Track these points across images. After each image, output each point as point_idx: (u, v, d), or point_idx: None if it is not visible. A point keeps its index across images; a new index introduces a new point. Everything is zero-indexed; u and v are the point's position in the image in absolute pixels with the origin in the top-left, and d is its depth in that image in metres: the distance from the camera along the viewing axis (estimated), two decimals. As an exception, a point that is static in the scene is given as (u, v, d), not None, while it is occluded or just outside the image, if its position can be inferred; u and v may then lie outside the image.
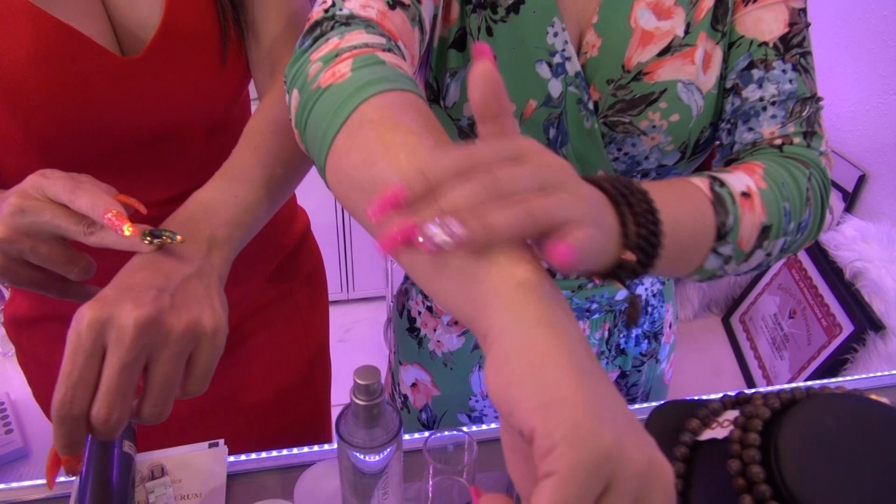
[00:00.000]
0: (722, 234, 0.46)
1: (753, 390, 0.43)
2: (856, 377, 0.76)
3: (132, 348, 0.39)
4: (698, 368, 1.54)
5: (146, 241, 0.42)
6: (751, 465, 0.34)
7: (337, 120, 0.39)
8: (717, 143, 0.61)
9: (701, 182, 0.47)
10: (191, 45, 0.60)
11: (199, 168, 0.57)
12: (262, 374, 0.86)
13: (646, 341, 0.78)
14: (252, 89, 0.71)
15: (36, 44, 0.52)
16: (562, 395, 0.26)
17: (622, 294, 0.72)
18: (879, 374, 0.75)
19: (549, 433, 0.25)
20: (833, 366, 1.25)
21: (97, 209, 0.42)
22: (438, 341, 0.78)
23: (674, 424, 0.40)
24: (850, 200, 1.41)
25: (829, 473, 0.33)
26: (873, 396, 0.36)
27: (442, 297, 0.33)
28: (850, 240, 1.31)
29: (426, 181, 0.31)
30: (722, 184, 0.47)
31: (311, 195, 0.93)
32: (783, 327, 1.40)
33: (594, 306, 0.72)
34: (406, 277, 0.84)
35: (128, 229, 0.41)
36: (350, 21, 0.46)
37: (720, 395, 0.46)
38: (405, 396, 0.86)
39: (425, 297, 0.78)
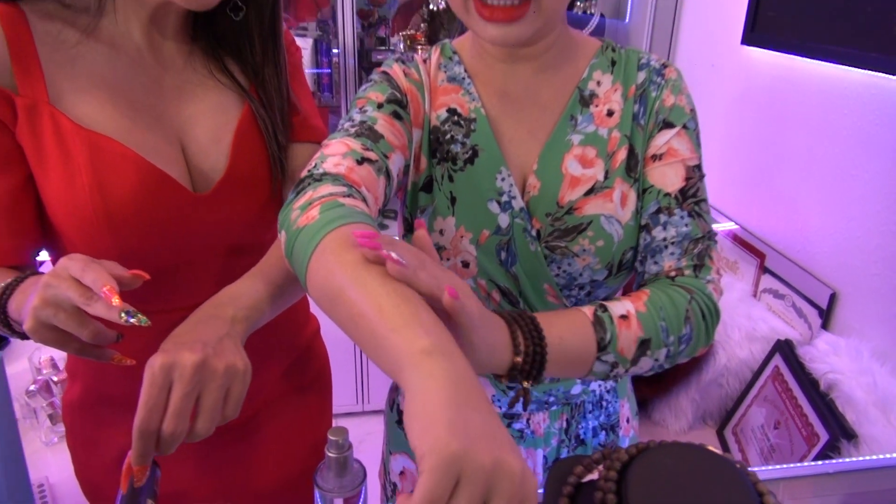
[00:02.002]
0: (602, 346, 0.63)
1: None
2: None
3: (190, 382, 0.54)
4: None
5: (122, 317, 0.56)
6: (608, 495, 0.46)
7: (309, 250, 0.55)
8: (636, 270, 0.77)
9: (588, 309, 0.65)
10: (247, 185, 0.80)
11: (237, 277, 0.73)
12: (271, 462, 0.98)
13: (603, 433, 0.89)
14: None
15: (137, 183, 0.71)
16: (432, 422, 0.40)
17: (577, 388, 0.84)
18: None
19: (422, 448, 0.39)
20: (814, 474, 1.31)
21: (97, 284, 0.57)
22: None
23: (568, 471, 0.52)
24: (826, 317, 1.51)
25: (668, 500, 0.45)
26: (710, 448, 0.48)
27: (374, 359, 0.48)
28: (822, 353, 1.40)
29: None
30: (605, 309, 0.65)
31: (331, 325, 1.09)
32: (769, 438, 1.47)
33: (552, 399, 0.84)
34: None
35: (115, 301, 0.56)
36: (322, 178, 0.63)
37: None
38: (394, 484, 0.96)
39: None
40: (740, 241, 1.82)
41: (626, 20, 2.31)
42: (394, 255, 0.48)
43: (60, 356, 1.45)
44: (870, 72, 1.33)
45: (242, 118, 0.80)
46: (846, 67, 1.40)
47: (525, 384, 0.60)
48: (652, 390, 1.74)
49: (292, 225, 0.58)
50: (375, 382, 2.27)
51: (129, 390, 0.67)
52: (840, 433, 1.26)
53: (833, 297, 1.49)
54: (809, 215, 1.57)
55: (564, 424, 0.86)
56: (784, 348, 1.51)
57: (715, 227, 1.86)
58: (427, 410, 0.40)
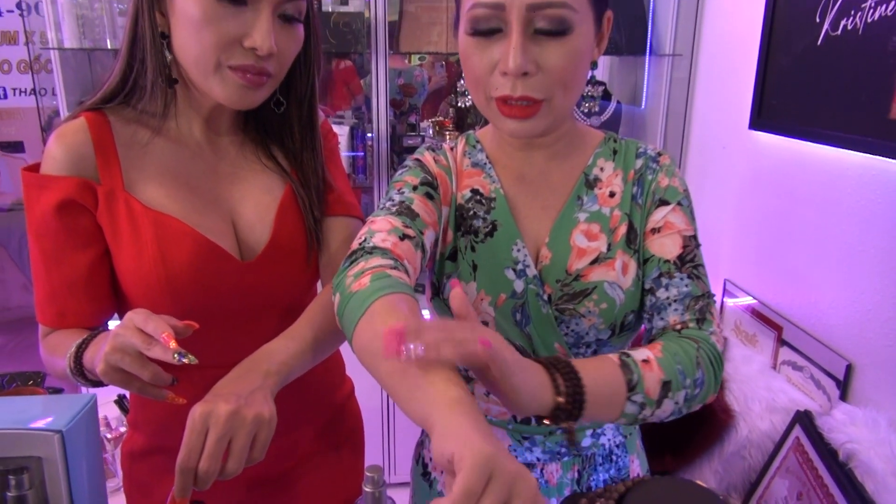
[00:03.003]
0: (631, 387, 0.69)
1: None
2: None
3: (223, 428, 0.64)
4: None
5: (175, 357, 0.67)
6: (608, 520, 0.54)
7: (359, 313, 0.65)
8: (644, 328, 0.85)
9: (613, 356, 0.72)
10: (286, 253, 0.92)
11: (275, 336, 0.84)
12: None
13: (616, 488, 0.94)
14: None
15: (193, 254, 0.84)
16: (467, 435, 0.49)
17: (587, 441, 0.91)
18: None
19: (460, 453, 0.47)
20: (836, 545, 1.31)
21: (157, 332, 0.68)
22: (446, 483, 0.97)
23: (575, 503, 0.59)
24: (843, 388, 1.55)
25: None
26: (698, 482, 0.55)
27: (406, 409, 0.57)
28: (840, 423, 1.43)
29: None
30: (628, 355, 0.73)
31: (358, 383, 1.18)
32: (793, 510, 1.48)
33: (563, 450, 0.91)
34: (422, 430, 1.05)
35: (172, 344, 0.67)
36: (373, 251, 0.74)
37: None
38: (422, 537, 1.02)
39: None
40: (758, 315, 1.88)
41: (643, 107, 2.46)
42: (412, 352, 0.55)
43: (114, 416, 1.55)
44: (867, 154, 1.43)
45: (284, 197, 0.93)
46: (846, 150, 1.49)
47: (565, 425, 0.67)
48: (675, 462, 1.76)
49: (346, 289, 0.69)
50: (402, 453, 2.31)
51: (181, 442, 0.77)
52: None
53: (849, 369, 1.52)
54: (823, 289, 1.63)
55: (576, 475, 0.92)
56: (804, 419, 1.54)
57: (733, 301, 1.93)
58: (461, 432, 0.49)
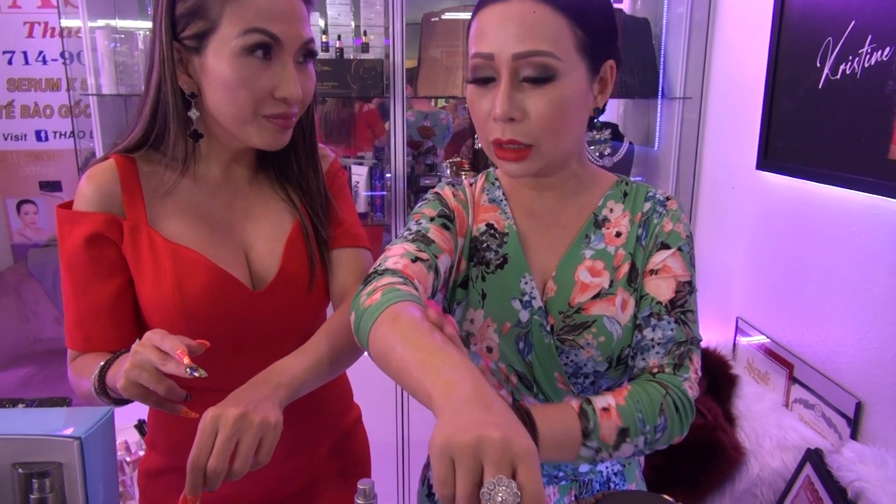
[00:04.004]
0: (587, 434, 0.76)
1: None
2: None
3: (231, 429, 0.69)
4: None
5: (187, 371, 0.73)
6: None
7: (371, 321, 0.72)
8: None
9: (575, 403, 0.79)
10: (293, 283, 0.98)
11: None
12: None
13: (613, 516, 0.96)
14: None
15: (208, 283, 0.90)
16: (435, 430, 0.53)
17: (585, 467, 0.94)
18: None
19: (429, 449, 0.52)
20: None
21: (173, 349, 0.74)
22: None
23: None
24: (854, 426, 1.54)
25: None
26: (665, 497, 0.59)
27: (418, 398, 0.62)
28: (849, 461, 1.43)
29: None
30: (589, 402, 0.79)
31: (378, 422, 1.23)
32: (804, 549, 1.46)
33: (560, 474, 0.94)
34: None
35: (186, 360, 0.73)
36: (384, 272, 0.80)
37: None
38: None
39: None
40: (770, 353, 1.88)
41: (656, 148, 2.52)
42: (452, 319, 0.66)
43: (134, 440, 1.61)
44: (869, 194, 1.46)
45: (293, 231, 1.00)
46: (849, 190, 1.52)
47: None
48: (686, 499, 1.76)
49: (360, 306, 0.75)
50: (416, 476, 2.32)
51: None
52: (868, 541, 1.26)
53: (859, 407, 1.52)
54: (832, 327, 1.64)
55: (573, 499, 0.95)
56: (814, 457, 1.54)
57: (746, 340, 1.94)
58: (436, 426, 0.54)
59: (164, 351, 0.75)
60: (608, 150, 2.15)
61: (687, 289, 0.87)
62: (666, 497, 0.58)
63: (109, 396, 0.86)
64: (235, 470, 0.72)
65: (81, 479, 0.62)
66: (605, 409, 0.78)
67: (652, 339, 0.85)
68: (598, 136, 0.87)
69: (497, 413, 0.54)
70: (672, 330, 0.85)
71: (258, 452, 0.74)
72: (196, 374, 0.72)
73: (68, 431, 0.63)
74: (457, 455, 0.51)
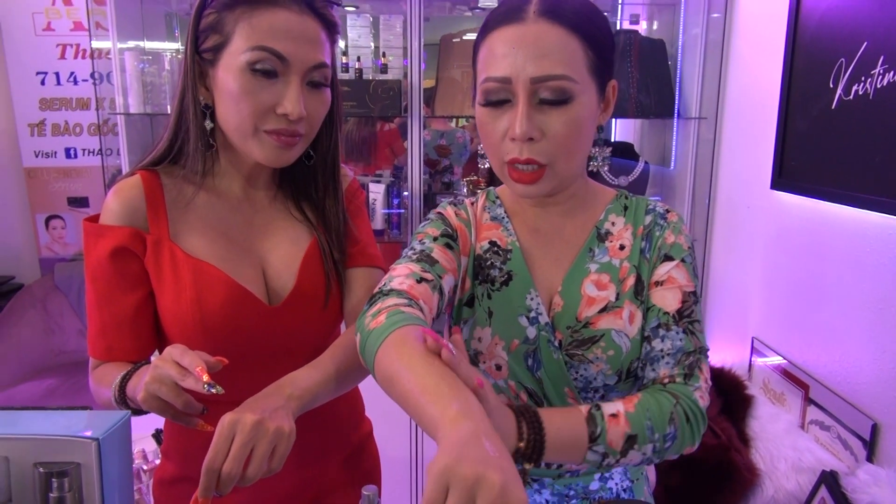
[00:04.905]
0: (593, 439, 0.76)
1: None
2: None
3: (248, 434, 0.71)
4: None
5: (205, 388, 0.75)
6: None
7: (376, 345, 0.74)
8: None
9: (584, 407, 0.80)
10: (309, 299, 1.00)
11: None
12: None
13: (620, 531, 0.97)
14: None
15: (226, 298, 0.93)
16: (438, 453, 0.55)
17: (595, 485, 0.94)
18: None
19: (428, 468, 0.53)
20: None
21: (192, 365, 0.77)
22: None
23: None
24: (870, 448, 1.52)
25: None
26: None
27: (421, 426, 0.64)
28: (864, 484, 1.41)
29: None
30: (598, 408, 0.79)
31: (389, 439, 1.24)
32: (818, 573, 1.44)
33: (571, 493, 0.94)
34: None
35: (205, 377, 0.75)
36: (389, 293, 0.82)
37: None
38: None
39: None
40: (786, 374, 1.87)
41: (672, 167, 2.53)
42: (450, 345, 0.67)
43: (151, 449, 1.64)
44: (883, 214, 1.45)
45: (310, 248, 1.02)
46: (863, 210, 1.52)
47: (526, 466, 0.73)
48: (700, 521, 1.74)
49: (366, 328, 0.77)
50: None
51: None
52: (882, 565, 1.25)
53: (875, 429, 1.51)
54: (848, 347, 1.63)
55: (583, 515, 0.95)
56: (829, 480, 1.52)
57: (762, 361, 1.92)
58: (439, 450, 0.56)
59: (183, 366, 0.77)
60: (607, 167, 2.17)
61: (692, 299, 0.88)
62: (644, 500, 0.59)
63: (129, 406, 0.89)
64: (249, 475, 0.74)
65: (98, 480, 0.65)
66: (614, 416, 0.78)
67: (661, 350, 0.86)
68: (598, 153, 0.89)
69: (501, 456, 0.56)
70: (681, 340, 0.86)
71: (271, 459, 0.76)
72: (213, 391, 0.74)
73: (87, 433, 0.65)
74: (453, 483, 0.52)
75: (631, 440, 0.77)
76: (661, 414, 0.79)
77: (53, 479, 0.64)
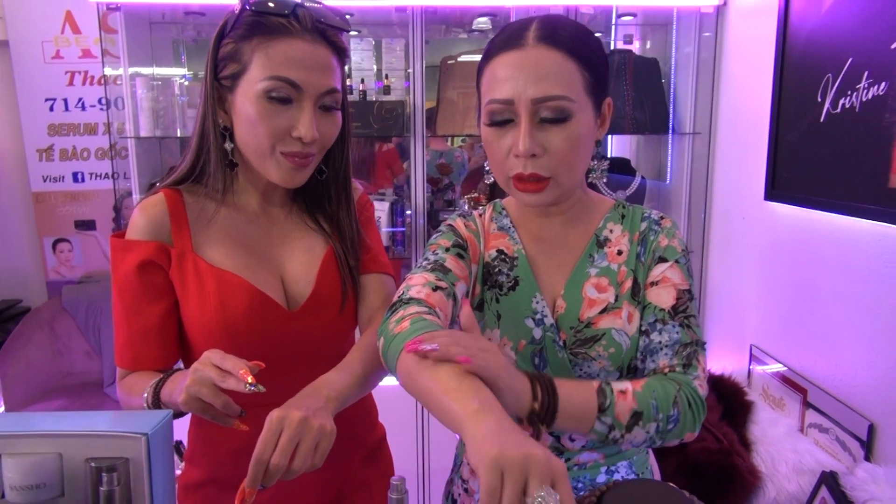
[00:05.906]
0: (602, 409, 0.82)
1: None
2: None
3: (295, 430, 0.76)
4: None
5: (247, 388, 0.80)
6: (588, 506, 0.64)
7: (400, 348, 0.79)
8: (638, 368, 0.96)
9: (595, 382, 0.85)
10: (325, 304, 1.06)
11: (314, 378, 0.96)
12: None
13: (628, 525, 1.01)
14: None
15: (248, 304, 0.99)
16: (479, 446, 0.61)
17: (602, 478, 0.99)
18: None
19: (475, 463, 0.60)
20: None
21: (236, 368, 0.82)
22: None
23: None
24: (868, 448, 1.57)
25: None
26: (671, 484, 0.65)
27: (444, 423, 0.71)
28: (862, 482, 1.45)
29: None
30: (608, 383, 0.85)
31: (397, 449, 1.29)
32: (821, 570, 1.48)
33: (580, 485, 0.99)
34: (451, 470, 1.14)
35: (249, 378, 0.80)
36: (410, 301, 0.88)
37: None
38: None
39: (463, 481, 1.08)
40: (784, 379, 1.92)
41: (668, 181, 2.59)
42: (427, 346, 0.73)
43: (170, 462, 1.69)
44: (872, 221, 1.52)
45: (326, 255, 1.08)
46: (853, 218, 1.58)
47: (541, 427, 0.79)
48: (705, 525, 1.78)
49: (390, 333, 0.84)
50: (436, 489, 2.35)
51: (233, 474, 0.90)
52: (882, 559, 1.29)
53: (872, 429, 1.55)
54: (844, 351, 1.68)
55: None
56: (829, 480, 1.56)
57: (761, 368, 1.97)
58: (475, 444, 0.62)
59: (223, 369, 0.82)
60: (605, 179, 2.24)
61: (687, 296, 0.94)
62: (671, 485, 0.64)
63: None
64: (294, 468, 0.78)
65: (147, 474, 0.69)
66: (623, 392, 0.83)
67: (659, 343, 0.92)
68: (596, 166, 0.95)
69: (531, 438, 0.62)
70: (677, 333, 0.91)
71: (314, 455, 0.81)
72: (255, 390, 0.79)
73: (136, 429, 0.70)
74: (507, 468, 0.58)
75: (637, 416, 0.82)
76: (666, 396, 0.84)
77: (104, 474, 0.68)
